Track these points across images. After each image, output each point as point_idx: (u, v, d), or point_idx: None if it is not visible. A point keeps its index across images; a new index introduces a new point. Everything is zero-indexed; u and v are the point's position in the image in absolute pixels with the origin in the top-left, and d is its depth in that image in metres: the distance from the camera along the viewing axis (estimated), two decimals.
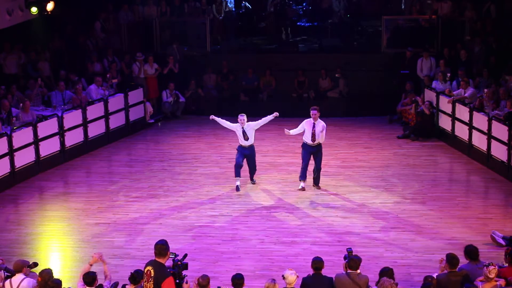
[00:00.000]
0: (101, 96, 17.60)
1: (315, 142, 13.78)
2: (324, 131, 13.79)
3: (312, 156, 13.95)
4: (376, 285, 8.63)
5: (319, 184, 14.17)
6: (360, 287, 8.53)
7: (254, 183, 14.43)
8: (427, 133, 17.44)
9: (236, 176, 14.14)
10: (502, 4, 19.88)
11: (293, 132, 14.01)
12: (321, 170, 14.16)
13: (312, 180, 14.22)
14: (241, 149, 14.16)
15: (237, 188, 14.10)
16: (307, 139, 13.81)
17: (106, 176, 15.66)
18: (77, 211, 13.40)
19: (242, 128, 13.99)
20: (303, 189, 14.03)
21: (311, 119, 13.76)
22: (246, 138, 14.01)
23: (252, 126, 14.09)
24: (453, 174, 15.74)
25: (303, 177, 14.07)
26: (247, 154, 14.18)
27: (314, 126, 13.71)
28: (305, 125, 13.82)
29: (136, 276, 8.52)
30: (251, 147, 14.18)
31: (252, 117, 14.36)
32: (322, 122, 13.81)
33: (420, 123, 17.45)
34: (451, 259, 8.72)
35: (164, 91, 19.75)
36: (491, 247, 11.32)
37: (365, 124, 18.91)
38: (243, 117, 14.04)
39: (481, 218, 12.74)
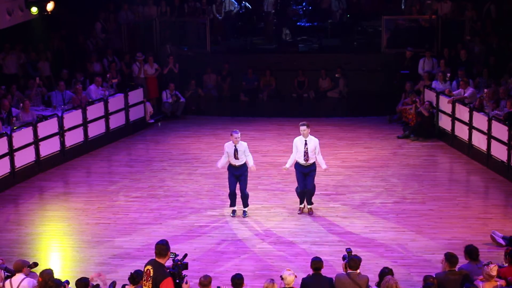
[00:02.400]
0: (101, 96, 17.60)
1: (308, 162, 12.62)
2: (318, 148, 12.68)
3: (305, 176, 12.78)
4: (377, 285, 8.64)
5: (312, 206, 13.00)
6: (360, 287, 8.53)
7: (245, 217, 12.93)
8: (427, 133, 17.43)
9: (231, 206, 13.06)
10: (502, 4, 19.88)
11: (290, 163, 12.84)
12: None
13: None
14: (231, 169, 12.82)
15: (233, 213, 13.03)
16: (300, 158, 12.62)
17: (106, 176, 15.66)
18: (77, 211, 13.40)
19: (235, 146, 12.68)
20: (301, 210, 13.08)
21: (301, 136, 12.65)
22: (236, 157, 12.68)
23: (244, 147, 12.77)
24: (453, 174, 15.74)
25: (301, 202, 13.11)
26: (238, 175, 12.79)
27: (306, 144, 12.59)
28: (297, 143, 12.68)
29: (136, 277, 8.52)
30: (243, 166, 12.80)
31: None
32: (314, 138, 12.70)
33: (420, 123, 17.44)
34: (450, 258, 8.72)
35: (164, 91, 19.75)
36: (491, 247, 11.32)
37: (365, 124, 18.90)
38: (237, 134, 12.67)
39: (481, 218, 12.73)
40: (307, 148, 12.54)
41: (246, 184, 12.95)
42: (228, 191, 12.95)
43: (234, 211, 13.05)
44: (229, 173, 12.90)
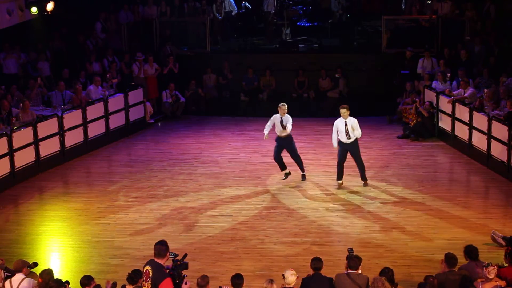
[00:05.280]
0: (101, 96, 17.60)
1: (350, 140, 13.89)
2: (357, 125, 13.85)
3: (349, 153, 14.11)
4: None
5: (366, 181, 14.38)
6: (360, 287, 8.53)
7: (304, 180, 14.59)
8: (427, 133, 17.43)
9: (282, 170, 14.61)
10: (502, 4, 19.89)
11: (334, 142, 14.05)
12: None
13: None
14: (278, 140, 14.44)
15: (286, 176, 14.62)
16: (342, 137, 13.92)
17: (106, 176, 15.65)
18: (77, 211, 13.39)
19: (281, 118, 14.23)
20: (340, 185, 14.27)
21: (341, 117, 13.87)
22: (283, 126, 14.21)
23: (288, 119, 14.24)
24: (453, 174, 15.74)
25: (339, 177, 14.28)
26: (284, 145, 14.41)
27: (346, 124, 13.83)
28: (337, 124, 13.95)
29: (134, 277, 8.47)
30: (288, 137, 14.37)
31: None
32: (353, 118, 13.91)
33: (420, 123, 17.44)
34: (450, 259, 8.73)
35: (164, 91, 19.75)
36: (491, 247, 11.31)
37: (365, 124, 18.78)
38: (285, 107, 14.26)
39: (481, 218, 12.72)
40: (347, 128, 13.84)
41: (294, 151, 14.50)
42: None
43: (286, 174, 14.62)
44: (276, 144, 14.51)
